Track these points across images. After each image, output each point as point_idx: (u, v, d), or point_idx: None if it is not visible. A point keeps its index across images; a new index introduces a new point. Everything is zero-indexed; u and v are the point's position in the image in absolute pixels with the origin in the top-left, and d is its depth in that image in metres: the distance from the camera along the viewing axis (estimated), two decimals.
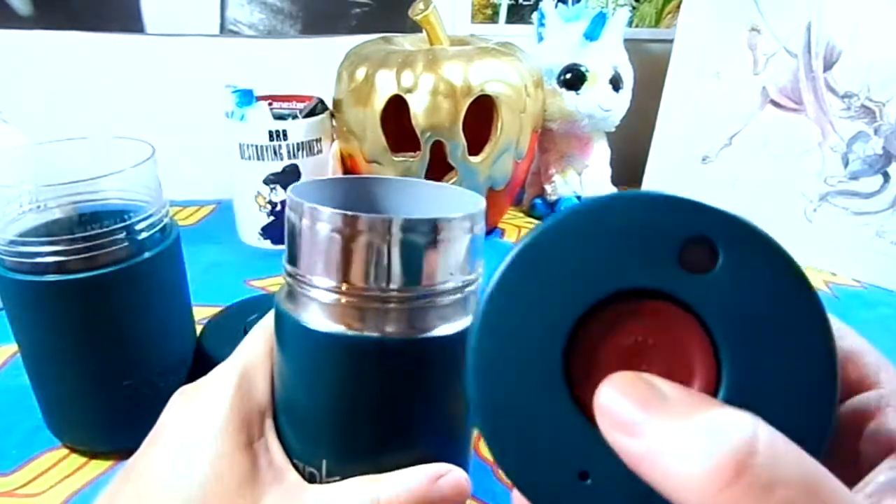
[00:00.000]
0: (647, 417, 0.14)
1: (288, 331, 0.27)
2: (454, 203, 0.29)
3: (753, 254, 0.15)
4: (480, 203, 0.27)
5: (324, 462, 0.27)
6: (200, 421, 0.26)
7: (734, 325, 0.15)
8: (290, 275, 0.26)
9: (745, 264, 0.15)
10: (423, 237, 0.24)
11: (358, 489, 0.25)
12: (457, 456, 0.28)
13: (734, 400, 0.14)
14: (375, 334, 0.25)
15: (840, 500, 0.13)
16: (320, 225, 0.25)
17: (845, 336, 0.19)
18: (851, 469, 0.16)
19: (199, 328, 0.45)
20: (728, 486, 0.12)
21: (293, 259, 0.26)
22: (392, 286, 0.24)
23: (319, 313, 0.25)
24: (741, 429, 0.13)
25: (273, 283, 0.60)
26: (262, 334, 0.29)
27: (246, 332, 0.43)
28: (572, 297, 0.15)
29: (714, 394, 0.15)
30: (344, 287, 0.24)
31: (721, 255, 0.15)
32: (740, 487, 0.12)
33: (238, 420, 0.26)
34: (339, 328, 0.25)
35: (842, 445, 0.17)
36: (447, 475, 0.26)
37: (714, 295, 0.15)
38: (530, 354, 0.16)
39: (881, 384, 0.18)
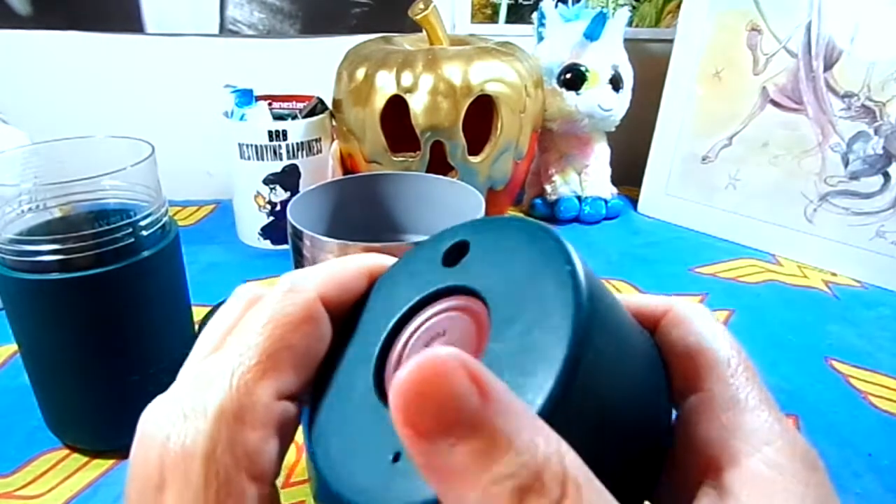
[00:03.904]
0: (450, 428, 0.11)
1: None
2: (454, 199, 0.29)
3: (489, 231, 0.17)
4: (480, 207, 0.28)
5: None
6: None
7: (492, 285, 0.16)
8: None
9: (486, 241, 0.17)
10: None
11: None
12: None
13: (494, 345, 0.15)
14: None
15: None
16: (321, 254, 0.25)
17: (686, 334, 0.18)
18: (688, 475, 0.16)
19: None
20: None
21: None
22: None
23: None
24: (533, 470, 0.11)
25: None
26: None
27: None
28: (381, 325, 0.18)
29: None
30: None
31: (470, 244, 0.17)
32: None
33: None
34: None
35: (677, 448, 0.17)
36: None
37: (471, 271, 0.17)
38: (352, 373, 0.18)
39: (706, 387, 0.16)
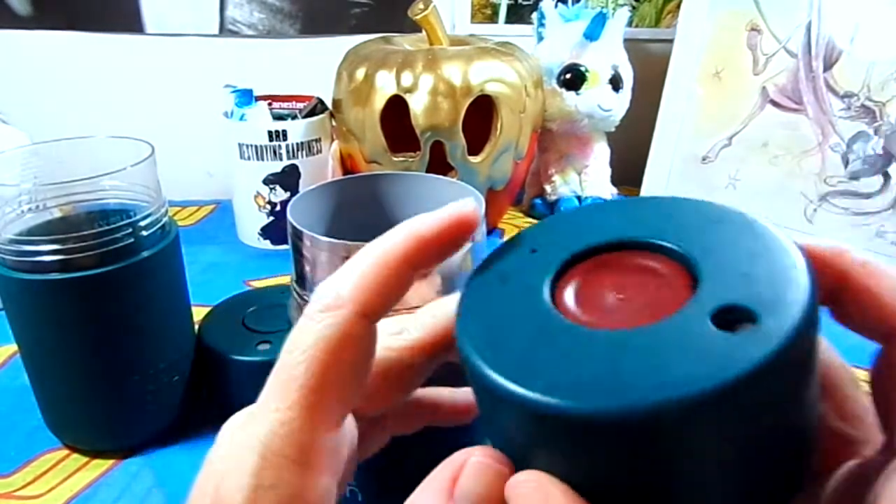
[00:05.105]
0: None
1: None
2: (454, 199, 0.29)
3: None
4: (480, 207, 0.28)
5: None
6: None
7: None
8: (299, 295, 0.26)
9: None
10: None
11: None
12: None
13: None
14: None
15: None
16: (321, 254, 0.25)
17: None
18: None
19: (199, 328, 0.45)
20: None
21: (301, 281, 0.26)
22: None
23: None
24: None
25: (272, 284, 0.60)
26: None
27: (244, 325, 0.43)
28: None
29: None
30: None
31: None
32: None
33: None
34: None
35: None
36: None
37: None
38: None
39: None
